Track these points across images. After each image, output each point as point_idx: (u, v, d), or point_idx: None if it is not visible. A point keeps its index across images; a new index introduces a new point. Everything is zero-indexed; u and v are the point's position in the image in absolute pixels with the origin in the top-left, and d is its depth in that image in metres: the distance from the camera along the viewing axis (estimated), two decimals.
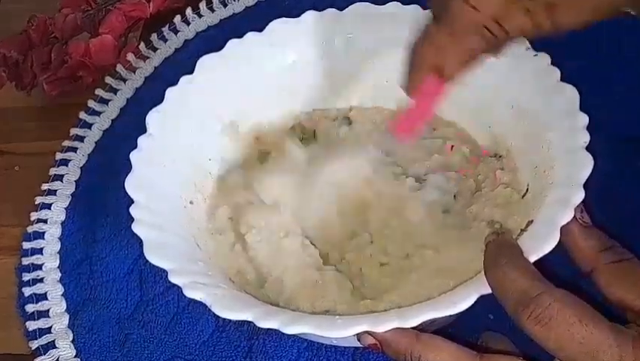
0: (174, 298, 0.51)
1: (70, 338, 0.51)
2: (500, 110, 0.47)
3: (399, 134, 0.45)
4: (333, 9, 0.52)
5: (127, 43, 0.67)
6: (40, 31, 0.64)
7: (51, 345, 0.51)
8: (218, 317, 0.38)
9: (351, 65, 0.53)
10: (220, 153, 0.51)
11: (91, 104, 0.64)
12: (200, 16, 0.69)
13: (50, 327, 0.52)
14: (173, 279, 0.39)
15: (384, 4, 0.52)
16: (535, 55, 0.46)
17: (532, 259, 0.37)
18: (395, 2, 0.52)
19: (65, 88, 0.65)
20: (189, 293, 0.39)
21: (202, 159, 0.50)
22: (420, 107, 0.43)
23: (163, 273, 0.40)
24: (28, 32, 0.64)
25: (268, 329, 0.37)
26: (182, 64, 0.64)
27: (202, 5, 0.69)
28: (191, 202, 0.48)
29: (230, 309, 0.38)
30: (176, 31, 0.68)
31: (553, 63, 0.45)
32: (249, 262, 0.46)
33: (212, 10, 0.69)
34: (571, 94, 0.43)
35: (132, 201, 0.44)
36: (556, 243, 0.37)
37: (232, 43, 0.52)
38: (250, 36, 0.52)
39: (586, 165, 0.39)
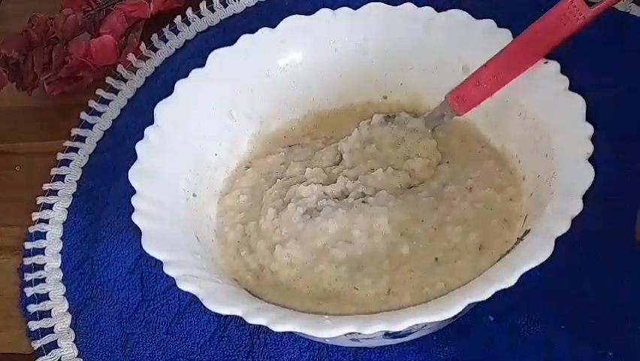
0: (175, 297, 0.51)
1: (73, 338, 0.51)
2: (509, 117, 0.47)
3: (454, 103, 0.47)
4: (347, 8, 0.52)
5: (127, 44, 0.67)
6: (41, 31, 0.64)
7: (53, 345, 0.51)
8: (219, 316, 0.38)
9: (364, 64, 0.53)
10: (227, 148, 0.51)
11: (92, 104, 0.64)
12: (200, 16, 0.69)
13: (52, 327, 0.52)
14: (168, 271, 0.40)
15: (398, 4, 0.52)
16: (546, 62, 0.46)
17: (525, 269, 0.37)
18: (409, 3, 0.52)
19: (66, 88, 0.65)
20: (182, 285, 0.39)
21: (208, 153, 0.50)
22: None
23: (164, 273, 0.40)
24: (28, 32, 0.64)
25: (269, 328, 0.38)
26: (182, 64, 0.64)
27: (202, 6, 0.69)
28: (194, 195, 0.48)
29: (221, 303, 0.38)
30: (176, 32, 0.68)
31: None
32: (253, 259, 0.46)
33: (212, 10, 0.69)
34: (578, 104, 0.43)
35: (134, 192, 0.44)
36: (550, 254, 0.37)
37: (245, 38, 0.52)
38: (263, 31, 0.52)
39: (587, 177, 0.39)
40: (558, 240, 0.37)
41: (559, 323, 0.46)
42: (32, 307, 0.53)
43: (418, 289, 0.42)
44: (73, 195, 0.59)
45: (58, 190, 0.60)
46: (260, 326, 0.38)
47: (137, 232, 0.42)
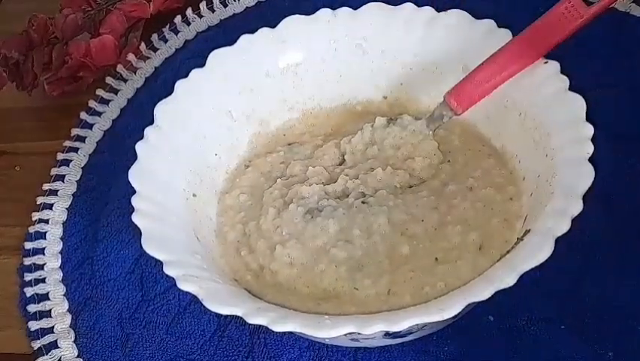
0: (175, 297, 0.51)
1: (73, 338, 0.51)
2: (509, 117, 0.47)
3: (452, 102, 0.47)
4: (347, 8, 0.52)
5: (127, 44, 0.67)
6: (41, 31, 0.64)
7: (53, 345, 0.51)
8: (219, 316, 0.38)
9: (364, 64, 0.53)
10: (227, 148, 0.51)
11: (92, 104, 0.64)
12: (200, 16, 0.69)
13: (52, 327, 0.52)
14: (168, 271, 0.40)
15: (398, 4, 0.52)
16: (546, 62, 0.46)
17: (525, 269, 0.36)
18: (409, 3, 0.52)
19: (66, 88, 0.65)
20: (182, 285, 0.39)
21: (208, 153, 0.50)
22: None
23: (164, 273, 0.40)
24: (28, 32, 0.64)
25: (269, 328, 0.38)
26: (182, 64, 0.64)
27: (202, 6, 0.69)
28: (194, 195, 0.48)
29: (221, 303, 0.38)
30: (176, 32, 0.68)
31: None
32: (253, 259, 0.46)
33: (212, 10, 0.69)
34: (578, 104, 0.43)
35: (134, 192, 0.44)
36: (550, 254, 0.37)
37: (245, 38, 0.52)
38: (263, 31, 0.52)
39: (587, 177, 0.39)
40: (558, 240, 0.37)
41: (559, 323, 0.46)
42: (32, 307, 0.53)
43: (418, 289, 0.42)
44: (73, 195, 0.59)
45: (58, 190, 0.59)
46: (260, 326, 0.38)
47: (137, 232, 0.42)
